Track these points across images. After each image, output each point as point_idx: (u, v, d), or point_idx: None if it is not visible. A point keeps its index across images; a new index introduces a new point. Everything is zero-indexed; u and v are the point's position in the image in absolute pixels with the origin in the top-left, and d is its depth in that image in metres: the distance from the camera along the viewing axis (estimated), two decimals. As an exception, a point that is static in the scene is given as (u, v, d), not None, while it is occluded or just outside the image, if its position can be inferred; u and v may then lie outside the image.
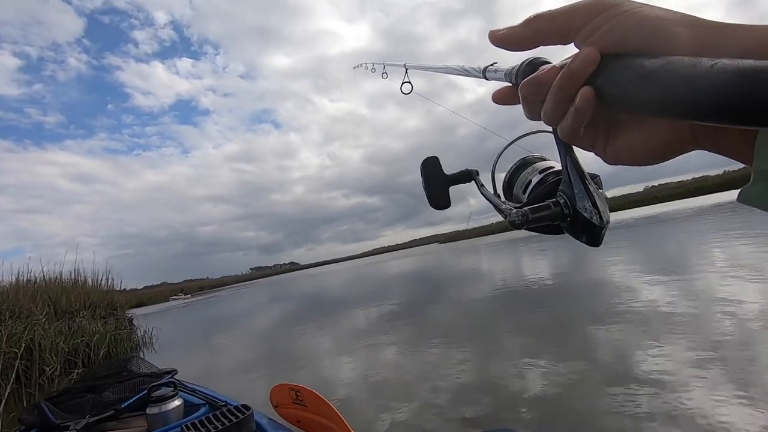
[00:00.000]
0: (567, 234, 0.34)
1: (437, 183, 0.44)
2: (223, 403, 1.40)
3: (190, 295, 37.94)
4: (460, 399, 2.45)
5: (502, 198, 0.40)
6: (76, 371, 5.85)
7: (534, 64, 0.29)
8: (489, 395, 2.41)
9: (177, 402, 1.35)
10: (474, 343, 3.69)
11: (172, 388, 1.39)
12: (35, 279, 7.69)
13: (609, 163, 0.28)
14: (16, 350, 5.37)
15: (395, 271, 18.73)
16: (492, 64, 0.37)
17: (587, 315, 3.93)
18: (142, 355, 6.74)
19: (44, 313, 6.46)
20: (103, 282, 9.12)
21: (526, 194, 0.37)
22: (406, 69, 0.89)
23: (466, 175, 0.44)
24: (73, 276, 8.55)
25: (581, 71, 0.24)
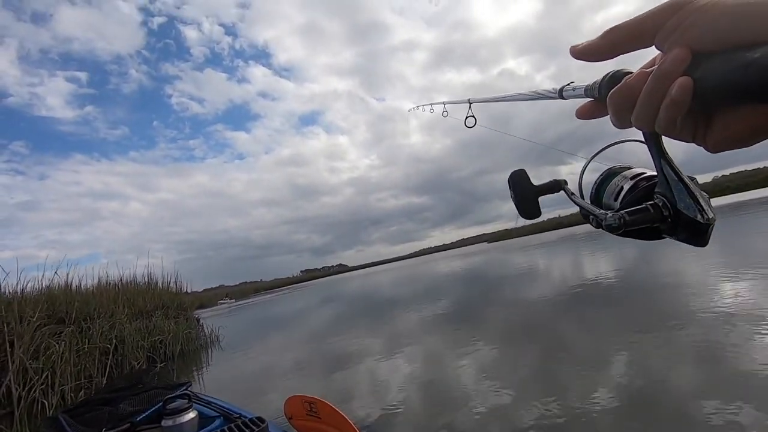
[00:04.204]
0: (666, 237, 0.33)
1: (527, 194, 0.45)
2: (237, 416, 1.39)
3: (234, 300, 39.88)
4: (512, 411, 2.31)
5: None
6: (158, 365, 6.40)
7: (617, 76, 0.30)
8: (548, 411, 2.22)
9: (192, 414, 1.34)
10: (532, 350, 3.55)
11: (186, 400, 1.39)
12: (113, 282, 8.32)
13: (712, 152, 0.27)
14: (108, 345, 5.99)
15: (443, 271, 18.50)
16: (569, 84, 0.37)
17: (658, 316, 3.65)
18: (210, 353, 7.29)
19: (125, 313, 7.08)
20: (171, 284, 9.74)
21: (618, 201, 0.36)
22: (470, 104, 0.86)
23: (555, 186, 0.45)
24: (146, 279, 9.14)
25: (674, 70, 0.24)
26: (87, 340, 5.77)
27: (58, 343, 5.24)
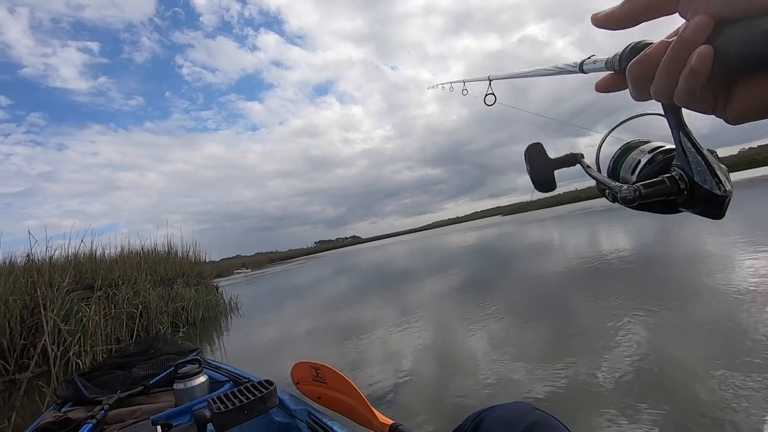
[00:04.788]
0: (683, 210, 0.33)
1: (542, 168, 0.45)
2: (246, 380, 1.43)
3: (250, 270, 40.74)
4: (522, 382, 2.35)
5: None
6: (181, 330, 6.72)
7: (637, 47, 0.29)
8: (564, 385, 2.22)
9: (202, 378, 1.39)
10: (544, 323, 3.57)
11: (197, 365, 1.42)
12: (135, 251, 8.54)
13: (732, 123, 0.26)
14: (135, 310, 6.30)
15: (456, 244, 18.56)
16: (589, 57, 0.36)
17: (675, 291, 3.60)
18: (230, 319, 7.60)
19: (148, 280, 7.36)
20: (190, 254, 10.00)
21: (635, 174, 0.37)
22: (490, 81, 0.86)
23: (571, 159, 0.44)
24: (166, 248, 9.34)
25: (694, 39, 0.24)
26: (113, 306, 6.07)
27: (88, 306, 5.54)
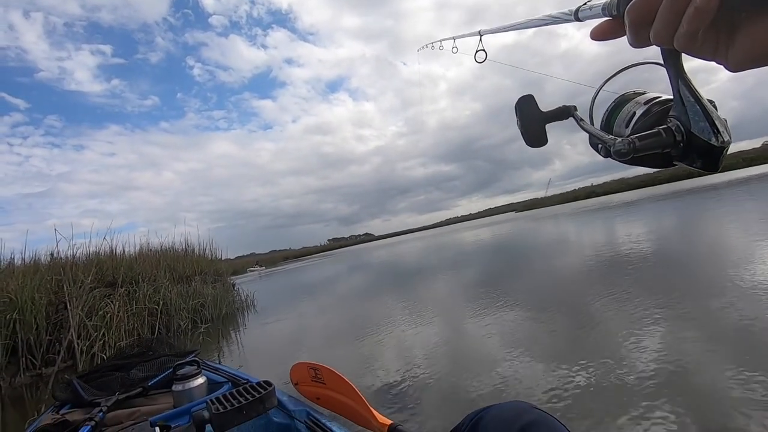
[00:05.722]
0: (678, 164, 0.32)
1: (533, 121, 0.43)
2: (245, 381, 1.42)
3: (264, 267, 40.89)
4: (534, 381, 2.34)
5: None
6: (201, 327, 6.89)
7: None
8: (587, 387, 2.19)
9: (201, 380, 1.39)
10: (558, 320, 3.53)
11: (195, 367, 1.43)
12: (154, 249, 8.69)
13: (734, 70, 0.25)
14: (156, 306, 6.50)
15: (469, 240, 18.42)
16: (585, 3, 0.34)
17: (696, 288, 3.50)
18: (247, 316, 7.75)
19: (167, 278, 7.56)
20: (207, 252, 10.16)
21: (630, 127, 0.35)
22: (481, 36, 0.83)
23: (564, 111, 0.43)
24: (183, 246, 9.47)
25: None
26: (135, 302, 6.27)
27: (112, 302, 5.75)
